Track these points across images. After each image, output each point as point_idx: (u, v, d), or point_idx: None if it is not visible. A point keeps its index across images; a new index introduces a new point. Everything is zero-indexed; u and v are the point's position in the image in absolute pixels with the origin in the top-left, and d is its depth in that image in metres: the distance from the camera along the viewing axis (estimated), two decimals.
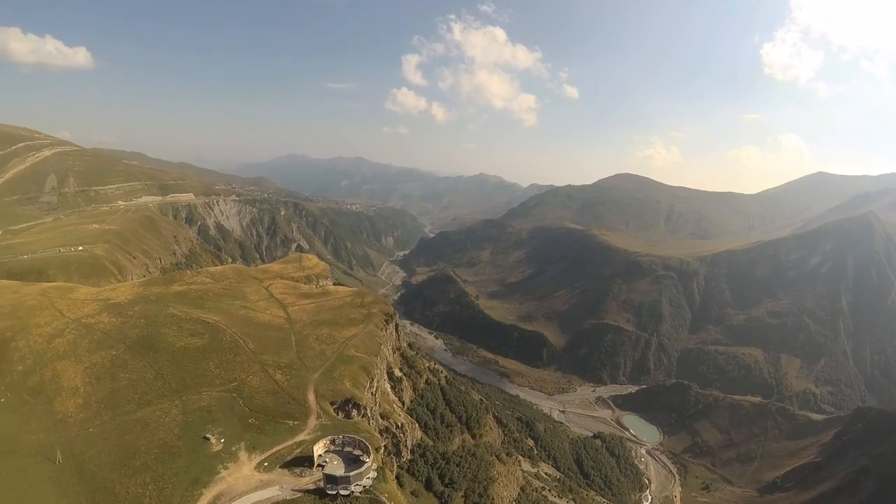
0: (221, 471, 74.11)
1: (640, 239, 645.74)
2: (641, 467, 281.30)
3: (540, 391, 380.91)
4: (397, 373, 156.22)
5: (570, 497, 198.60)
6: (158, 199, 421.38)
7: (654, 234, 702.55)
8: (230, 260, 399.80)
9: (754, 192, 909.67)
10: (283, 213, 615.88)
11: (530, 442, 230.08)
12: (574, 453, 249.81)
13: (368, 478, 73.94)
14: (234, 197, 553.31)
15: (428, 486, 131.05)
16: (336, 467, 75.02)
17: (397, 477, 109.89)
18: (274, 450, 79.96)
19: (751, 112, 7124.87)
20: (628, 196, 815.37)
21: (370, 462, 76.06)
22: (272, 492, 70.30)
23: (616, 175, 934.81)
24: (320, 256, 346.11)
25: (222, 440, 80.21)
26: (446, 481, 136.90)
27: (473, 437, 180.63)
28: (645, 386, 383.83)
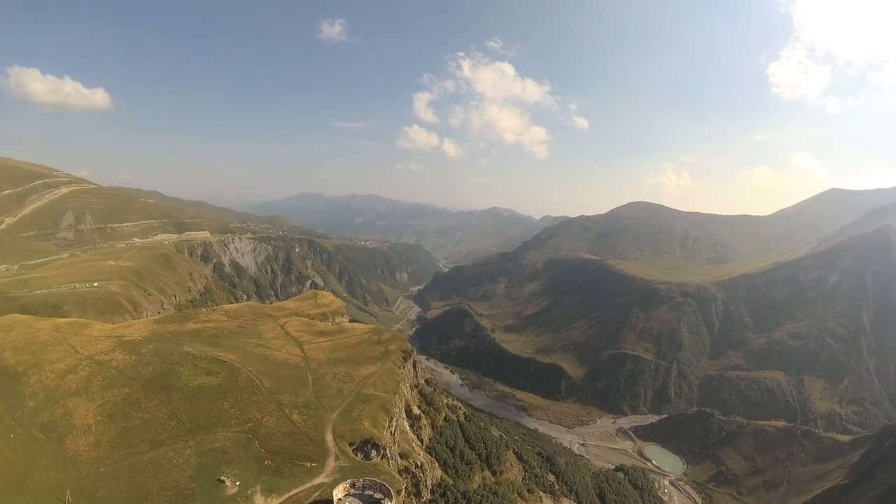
0: None
1: (656, 266, 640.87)
2: (665, 499, 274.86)
3: (559, 424, 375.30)
4: (416, 410, 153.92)
5: None
6: (174, 236, 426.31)
7: (669, 261, 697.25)
8: (245, 297, 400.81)
9: (769, 213, 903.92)
10: (297, 250, 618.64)
11: (551, 477, 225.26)
12: (596, 487, 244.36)
13: None
14: (249, 234, 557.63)
15: None
16: None
17: None
18: (291, 493, 77.63)
19: (760, 133, 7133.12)
20: (642, 224, 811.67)
21: None
22: None
23: (629, 204, 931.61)
24: (335, 293, 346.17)
25: (238, 483, 78.41)
26: None
27: (494, 473, 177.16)
28: (666, 415, 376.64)
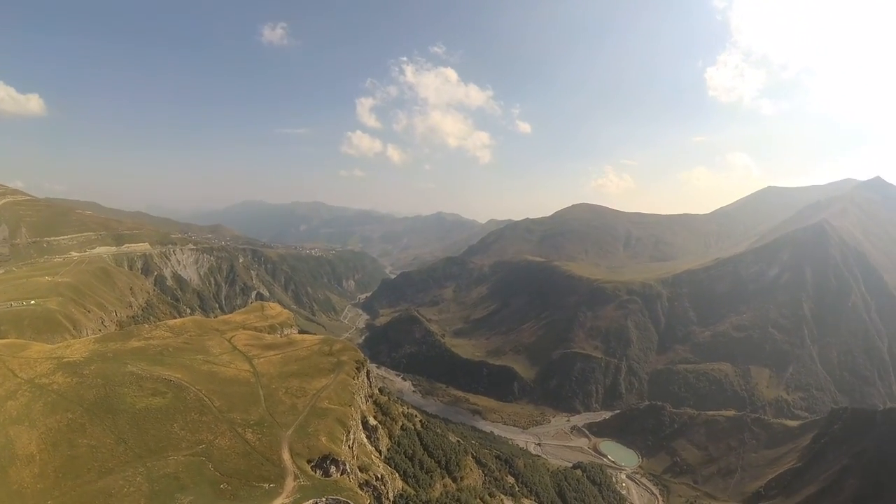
0: None
1: (601, 266, 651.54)
2: (624, 493, 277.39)
3: (514, 425, 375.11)
4: (372, 421, 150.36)
5: None
6: (113, 249, 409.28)
7: (614, 261, 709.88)
8: (189, 311, 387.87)
9: (708, 212, 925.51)
10: (241, 260, 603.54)
11: (511, 479, 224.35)
12: (556, 486, 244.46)
13: None
14: (190, 246, 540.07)
15: None
16: None
17: None
18: None
19: (699, 134, 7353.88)
20: (586, 225, 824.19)
21: None
22: None
23: (573, 206, 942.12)
24: (282, 303, 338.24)
25: None
26: None
27: (454, 480, 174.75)
28: (619, 411, 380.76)
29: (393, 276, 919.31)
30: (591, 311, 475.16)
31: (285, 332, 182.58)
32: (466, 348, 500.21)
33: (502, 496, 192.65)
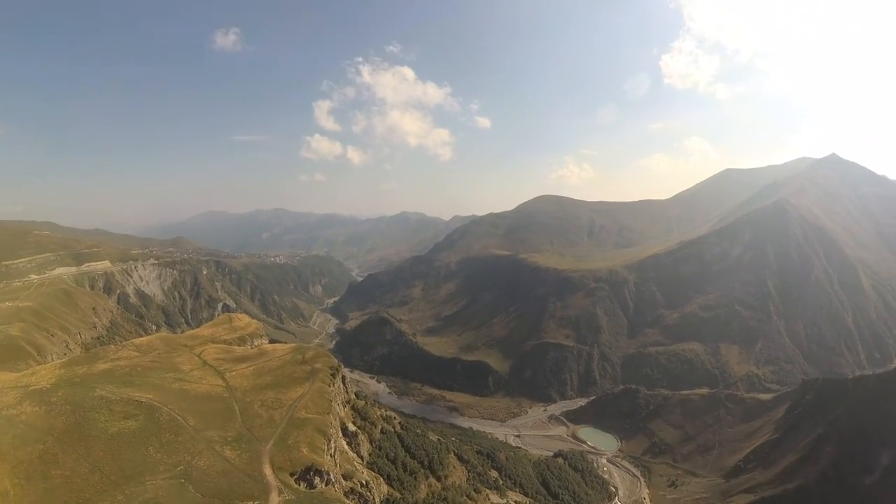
0: None
1: (567, 256, 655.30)
2: (606, 477, 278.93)
3: (492, 419, 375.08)
4: (351, 427, 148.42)
5: None
6: (73, 269, 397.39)
7: (579, 250, 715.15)
8: (155, 328, 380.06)
9: (669, 197, 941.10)
10: (205, 272, 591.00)
11: (494, 473, 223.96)
12: (539, 476, 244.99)
13: None
14: (152, 260, 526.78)
15: None
16: None
17: None
18: None
19: (656, 121, 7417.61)
20: (549, 216, 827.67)
21: None
22: None
23: (536, 198, 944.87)
24: (249, 314, 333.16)
25: None
26: None
27: (439, 479, 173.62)
28: (594, 397, 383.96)
29: (360, 279, 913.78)
30: (561, 301, 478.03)
31: (255, 343, 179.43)
32: (439, 346, 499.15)
33: (487, 491, 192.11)
